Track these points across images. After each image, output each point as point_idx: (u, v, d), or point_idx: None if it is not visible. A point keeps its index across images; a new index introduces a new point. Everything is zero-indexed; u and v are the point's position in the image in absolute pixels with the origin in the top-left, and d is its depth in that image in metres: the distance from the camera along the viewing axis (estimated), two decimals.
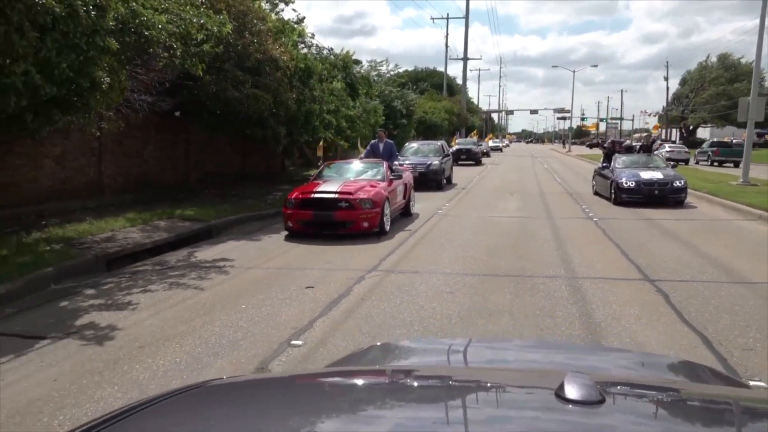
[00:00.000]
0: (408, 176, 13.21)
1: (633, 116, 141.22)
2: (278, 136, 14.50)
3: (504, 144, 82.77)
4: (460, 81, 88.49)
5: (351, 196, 10.23)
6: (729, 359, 4.77)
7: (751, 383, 4.00)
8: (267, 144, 15.68)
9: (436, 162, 19.42)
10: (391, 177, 11.74)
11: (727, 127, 78.33)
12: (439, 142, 21.98)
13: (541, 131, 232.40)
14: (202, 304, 6.39)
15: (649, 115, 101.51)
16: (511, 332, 5.39)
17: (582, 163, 42.07)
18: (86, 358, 4.89)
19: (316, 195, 10.39)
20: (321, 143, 19.21)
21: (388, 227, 10.63)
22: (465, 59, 65.94)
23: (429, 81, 77.29)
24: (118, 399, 4.11)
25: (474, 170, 29.96)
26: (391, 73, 35.11)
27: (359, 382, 1.53)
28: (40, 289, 7.07)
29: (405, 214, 12.79)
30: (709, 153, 37.91)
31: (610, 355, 2.28)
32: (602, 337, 5.31)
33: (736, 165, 33.56)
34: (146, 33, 9.03)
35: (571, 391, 1.14)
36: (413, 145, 21.83)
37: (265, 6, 17.21)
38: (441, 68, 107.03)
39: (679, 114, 78.11)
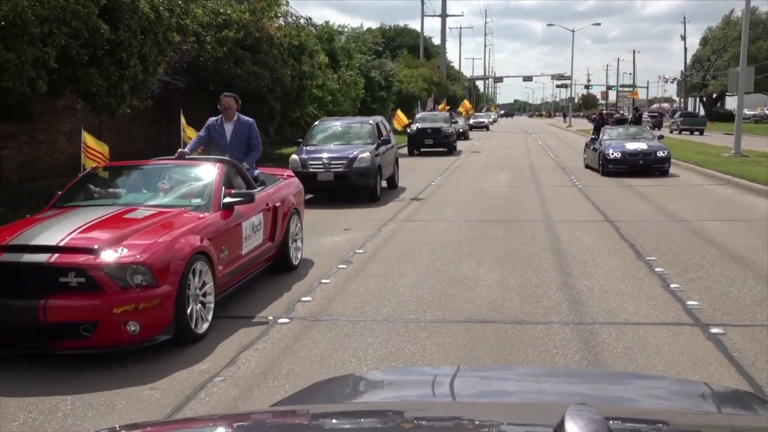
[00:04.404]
0: (286, 189, 9.22)
1: (647, 82, 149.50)
2: (274, 111, 19.26)
3: (490, 119, 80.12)
4: (436, 40, 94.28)
5: (88, 261, 5.68)
6: (641, 251, 9.82)
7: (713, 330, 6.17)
8: (261, 120, 20.42)
9: (366, 154, 15.19)
10: (232, 199, 7.35)
11: (755, 95, 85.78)
12: (372, 121, 17.54)
13: (538, 101, 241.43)
14: None
15: (667, 81, 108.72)
16: (502, 246, 10.38)
17: (581, 139, 47.75)
18: None
19: (3, 257, 5.83)
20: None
21: (205, 326, 6.35)
22: (444, 15, 71.47)
23: (399, 41, 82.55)
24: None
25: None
26: (360, 32, 39.86)
27: (314, 424, 1.51)
28: None
29: (281, 266, 8.69)
30: (678, 122, 57.80)
31: (630, 384, 2.37)
32: (563, 243, 10.38)
33: (701, 133, 50.72)
34: (181, 23, 13.77)
35: (573, 429, 1.18)
36: (330, 125, 17.51)
37: None
38: (413, 25, 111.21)
39: (700, 80, 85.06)
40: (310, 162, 15.20)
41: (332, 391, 2.30)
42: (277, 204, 8.57)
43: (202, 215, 6.93)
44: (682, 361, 5.60)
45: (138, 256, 5.75)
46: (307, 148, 16.12)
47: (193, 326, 6.12)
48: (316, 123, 18.17)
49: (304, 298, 7.63)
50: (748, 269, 8.74)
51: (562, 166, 24.95)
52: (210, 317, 6.43)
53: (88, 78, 10.52)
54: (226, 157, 8.49)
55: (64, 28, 9.48)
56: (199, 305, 6.27)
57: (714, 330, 6.33)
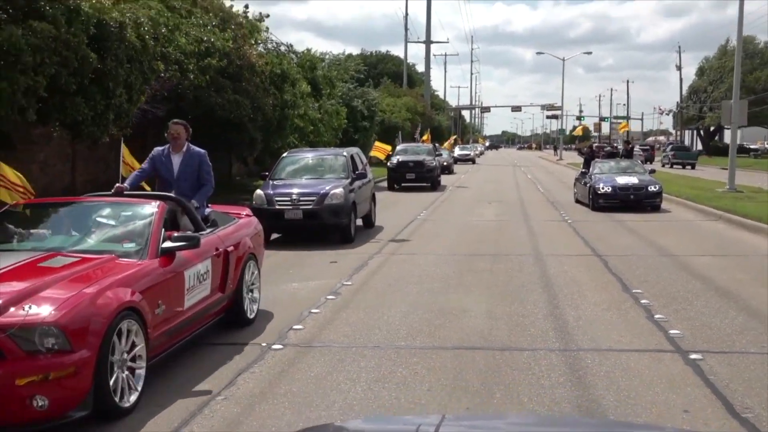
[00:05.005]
0: (241, 231, 8.82)
1: (642, 114, 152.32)
2: (255, 141, 20.03)
3: (477, 152, 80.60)
4: (420, 67, 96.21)
5: None
6: (628, 286, 10.60)
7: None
8: (241, 150, 21.21)
9: (339, 190, 14.99)
10: (173, 243, 6.89)
11: (754, 128, 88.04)
12: (346, 153, 17.35)
13: (528, 133, 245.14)
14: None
15: (662, 112, 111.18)
16: (490, 278, 11.14)
17: (572, 172, 48.93)
18: None
19: None
20: None
21: (134, 397, 5.86)
22: (428, 42, 73.14)
23: (381, 68, 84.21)
24: None
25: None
26: (341, 59, 40.98)
27: None
28: None
29: (233, 320, 8.26)
30: (669, 156, 61.62)
31: None
32: (551, 276, 11.15)
33: (693, 167, 54.54)
34: (165, 51, 14.57)
35: None
36: (299, 158, 17.35)
37: None
38: (395, 51, 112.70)
39: (696, 112, 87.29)
40: (277, 198, 14.80)
41: None
42: (230, 248, 8.07)
43: (135, 263, 6.41)
44: (661, 383, 6.35)
45: (49, 315, 5.21)
46: (274, 182, 15.71)
47: (117, 399, 5.56)
48: (285, 155, 17.68)
49: (295, 327, 8.31)
50: (732, 301, 9.54)
51: (551, 200, 25.86)
52: (140, 386, 5.87)
53: (74, 107, 11.25)
54: (172, 194, 8.13)
55: (54, 57, 10.23)
56: (127, 372, 5.73)
57: (693, 356, 7.09)
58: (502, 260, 12.83)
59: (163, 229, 6.97)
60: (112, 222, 7.24)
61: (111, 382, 5.48)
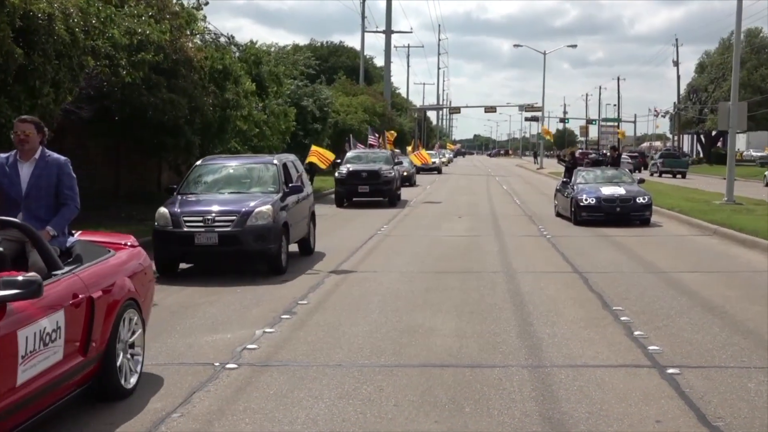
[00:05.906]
0: (117, 269, 7.48)
1: (635, 116, 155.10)
2: (192, 146, 20.72)
3: (444, 159, 79.75)
4: (379, 60, 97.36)
5: None
6: (609, 303, 11.53)
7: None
8: (176, 156, 21.90)
9: (266, 207, 14.13)
10: (2, 292, 5.38)
11: (763, 133, 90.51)
12: (276, 161, 16.21)
13: (504, 137, 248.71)
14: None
15: (658, 114, 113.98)
16: (459, 296, 12.00)
17: (554, 182, 50.26)
18: None
19: None
20: None
21: None
22: (388, 32, 74.28)
23: (334, 61, 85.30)
24: None
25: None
26: (287, 52, 41.80)
27: None
28: None
29: (103, 391, 7.02)
30: (658, 164, 66.04)
31: None
32: (526, 293, 12.07)
33: (683, 176, 58.34)
34: (93, 44, 15.25)
35: None
36: (218, 167, 16.22)
37: None
38: (350, 42, 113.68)
39: (696, 114, 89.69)
40: (185, 218, 13.70)
41: None
42: (97, 294, 6.73)
43: None
44: (635, 396, 7.23)
45: None
46: (184, 197, 14.64)
47: None
48: (198, 162, 16.52)
49: (249, 346, 9.08)
50: (717, 318, 10.53)
51: (529, 214, 26.96)
52: None
53: None
54: (17, 218, 6.95)
55: None
56: None
57: (670, 371, 7.99)
58: (473, 278, 13.72)
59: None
60: None
61: None
